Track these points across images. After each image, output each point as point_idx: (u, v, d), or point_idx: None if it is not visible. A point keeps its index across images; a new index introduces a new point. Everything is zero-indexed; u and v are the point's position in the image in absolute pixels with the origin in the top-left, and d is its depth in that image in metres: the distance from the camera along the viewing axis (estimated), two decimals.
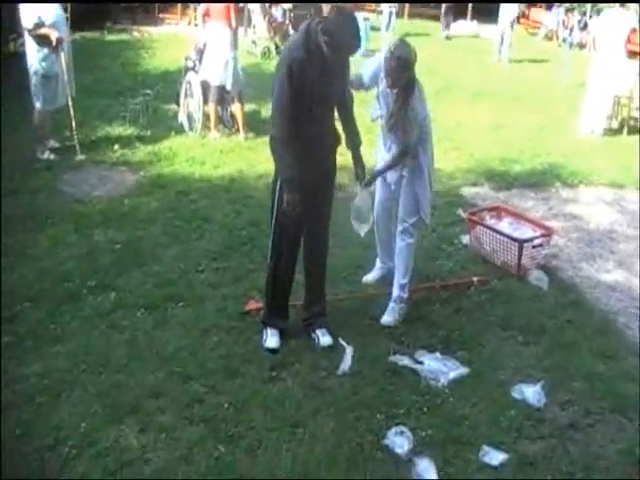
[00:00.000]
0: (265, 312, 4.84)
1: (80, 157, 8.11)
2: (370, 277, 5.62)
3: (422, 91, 4.83)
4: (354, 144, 4.70)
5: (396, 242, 5.14)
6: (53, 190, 7.18)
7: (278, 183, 4.46)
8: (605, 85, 10.52)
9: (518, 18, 19.86)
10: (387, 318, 5.04)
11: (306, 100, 4.21)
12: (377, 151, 5.29)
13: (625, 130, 10.84)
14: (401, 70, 4.60)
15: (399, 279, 5.12)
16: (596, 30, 11.27)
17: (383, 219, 5.41)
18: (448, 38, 21.57)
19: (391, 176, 5.13)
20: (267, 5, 17.28)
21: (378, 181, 5.25)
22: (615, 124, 10.99)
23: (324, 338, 4.75)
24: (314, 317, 4.86)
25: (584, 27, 20.17)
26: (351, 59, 4.52)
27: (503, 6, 17.92)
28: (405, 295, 5.13)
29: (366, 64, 5.08)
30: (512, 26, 17.97)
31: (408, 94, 4.69)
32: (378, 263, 5.64)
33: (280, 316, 4.80)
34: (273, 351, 4.63)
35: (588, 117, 10.72)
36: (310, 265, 4.86)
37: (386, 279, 5.44)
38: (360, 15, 16.19)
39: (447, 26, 22.01)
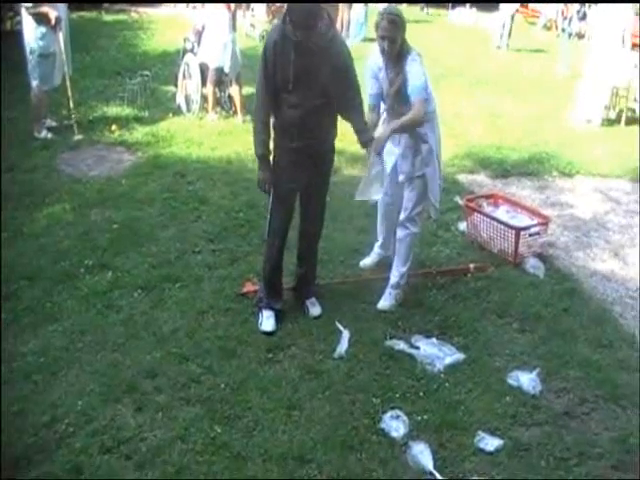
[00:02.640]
0: (261, 292, 4.88)
1: (78, 137, 8.08)
2: (367, 262, 5.61)
3: (421, 62, 4.65)
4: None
5: (399, 230, 5.09)
6: (50, 169, 7.16)
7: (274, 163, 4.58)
8: (603, 75, 10.48)
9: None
10: (384, 303, 5.05)
11: (282, 82, 4.32)
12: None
13: (623, 121, 10.83)
14: (396, 26, 4.54)
15: (399, 267, 5.10)
16: (595, 20, 11.22)
17: (389, 210, 5.37)
18: (428, 14, 23.97)
19: (402, 166, 4.97)
20: None
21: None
22: (613, 115, 10.97)
23: (314, 309, 4.92)
24: (304, 286, 5.00)
25: (583, 17, 20.08)
26: (350, 46, 4.48)
27: None
28: (403, 282, 5.13)
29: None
30: (512, 16, 17.94)
31: (401, 65, 4.61)
32: (376, 248, 5.63)
33: (275, 296, 4.84)
34: (269, 334, 4.64)
35: (583, 107, 10.68)
36: (304, 240, 4.94)
37: (383, 264, 5.45)
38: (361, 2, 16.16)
39: (422, 8, 24.52)
